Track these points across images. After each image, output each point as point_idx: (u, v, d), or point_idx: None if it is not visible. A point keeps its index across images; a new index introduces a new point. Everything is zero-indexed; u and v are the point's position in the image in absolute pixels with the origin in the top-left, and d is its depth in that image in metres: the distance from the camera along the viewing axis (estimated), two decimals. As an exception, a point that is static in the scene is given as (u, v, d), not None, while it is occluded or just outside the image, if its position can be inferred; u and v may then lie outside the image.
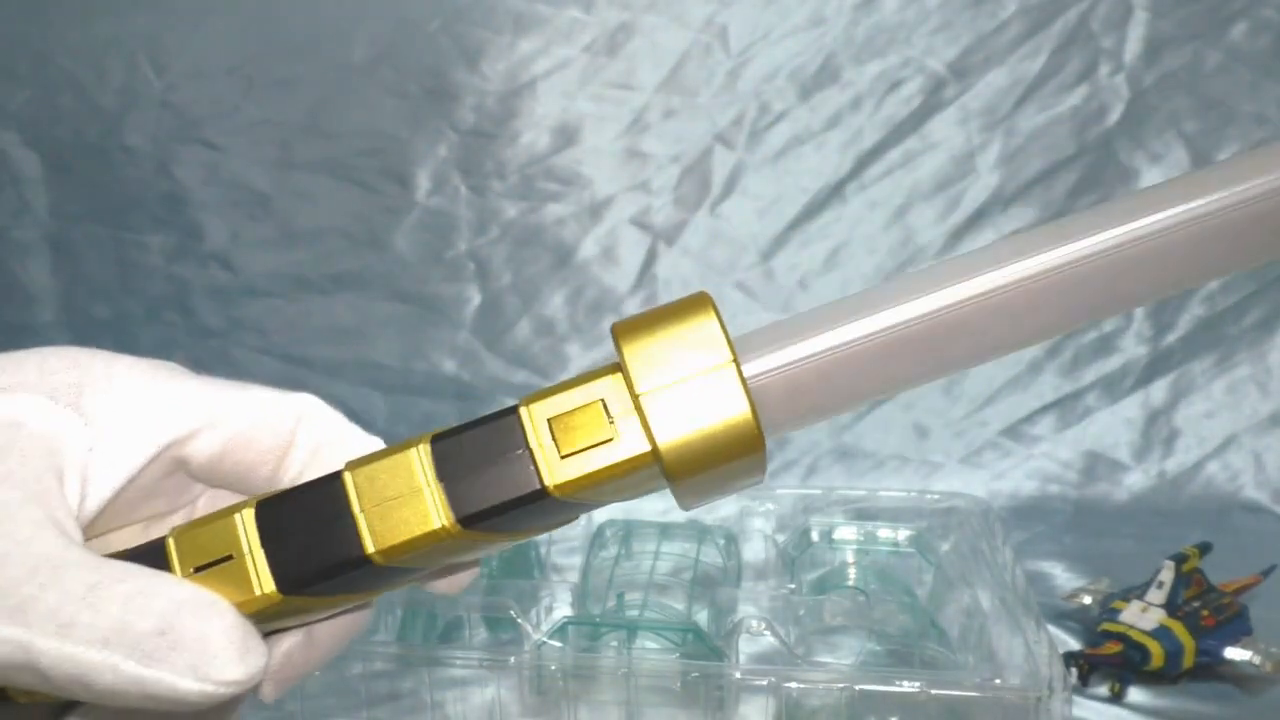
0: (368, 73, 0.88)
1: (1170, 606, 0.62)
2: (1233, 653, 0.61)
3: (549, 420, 0.23)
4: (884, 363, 0.23)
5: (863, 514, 0.73)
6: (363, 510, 0.23)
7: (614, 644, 0.60)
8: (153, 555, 0.23)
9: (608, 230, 0.90)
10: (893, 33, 0.86)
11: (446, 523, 0.23)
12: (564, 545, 0.73)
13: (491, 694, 0.57)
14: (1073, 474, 0.88)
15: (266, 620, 0.23)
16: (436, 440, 0.23)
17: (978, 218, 0.88)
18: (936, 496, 0.73)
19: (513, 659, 0.55)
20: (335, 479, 0.23)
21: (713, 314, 0.24)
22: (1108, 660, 0.61)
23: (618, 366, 0.23)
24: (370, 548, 0.23)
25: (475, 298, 0.91)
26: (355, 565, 0.23)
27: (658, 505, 0.76)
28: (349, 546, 0.23)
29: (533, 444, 0.23)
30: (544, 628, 0.59)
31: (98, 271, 0.92)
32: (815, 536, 0.70)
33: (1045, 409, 0.89)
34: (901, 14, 0.86)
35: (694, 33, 0.87)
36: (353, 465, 0.23)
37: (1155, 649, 0.60)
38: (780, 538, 0.69)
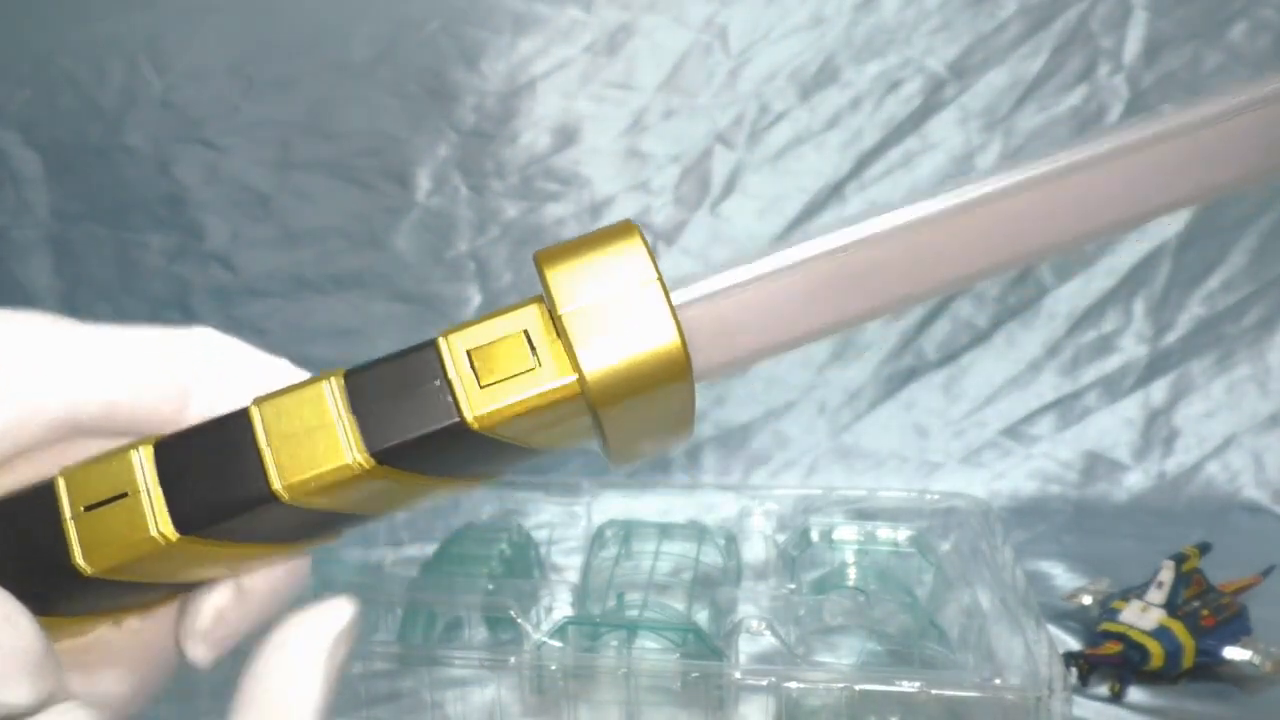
0: (368, 73, 0.88)
1: (1170, 606, 0.62)
2: (1232, 653, 0.61)
3: (469, 351, 0.22)
4: (810, 297, 0.23)
5: (863, 514, 0.73)
6: (269, 445, 0.21)
7: (614, 644, 0.60)
8: (40, 496, 0.22)
9: (608, 230, 0.90)
10: (892, 33, 0.86)
11: (360, 457, 0.21)
12: (564, 545, 0.73)
13: (491, 694, 0.57)
14: (1072, 474, 0.88)
15: (175, 566, 0.22)
16: (351, 373, 0.22)
17: (978, 218, 0.88)
18: (936, 496, 0.73)
19: (513, 659, 0.55)
20: (241, 414, 0.22)
21: (638, 239, 0.23)
22: (1107, 660, 0.61)
23: (540, 297, 0.22)
24: (277, 483, 0.21)
25: (475, 298, 0.91)
26: (260, 502, 0.21)
27: (658, 505, 0.76)
28: (253, 482, 0.21)
29: (451, 375, 0.22)
30: (544, 628, 0.59)
31: (98, 271, 0.92)
32: (815, 536, 0.70)
33: (1045, 409, 0.89)
34: (901, 14, 0.86)
35: (694, 33, 0.87)
36: (260, 400, 0.22)
37: (1155, 649, 0.60)
38: (780, 538, 0.69)
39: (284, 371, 0.25)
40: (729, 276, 0.23)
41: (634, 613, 0.62)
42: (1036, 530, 0.83)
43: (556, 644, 0.57)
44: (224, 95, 0.88)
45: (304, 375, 0.24)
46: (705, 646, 0.57)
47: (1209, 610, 0.63)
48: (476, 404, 0.21)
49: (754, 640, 0.60)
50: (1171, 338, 0.88)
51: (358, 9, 0.88)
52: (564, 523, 0.75)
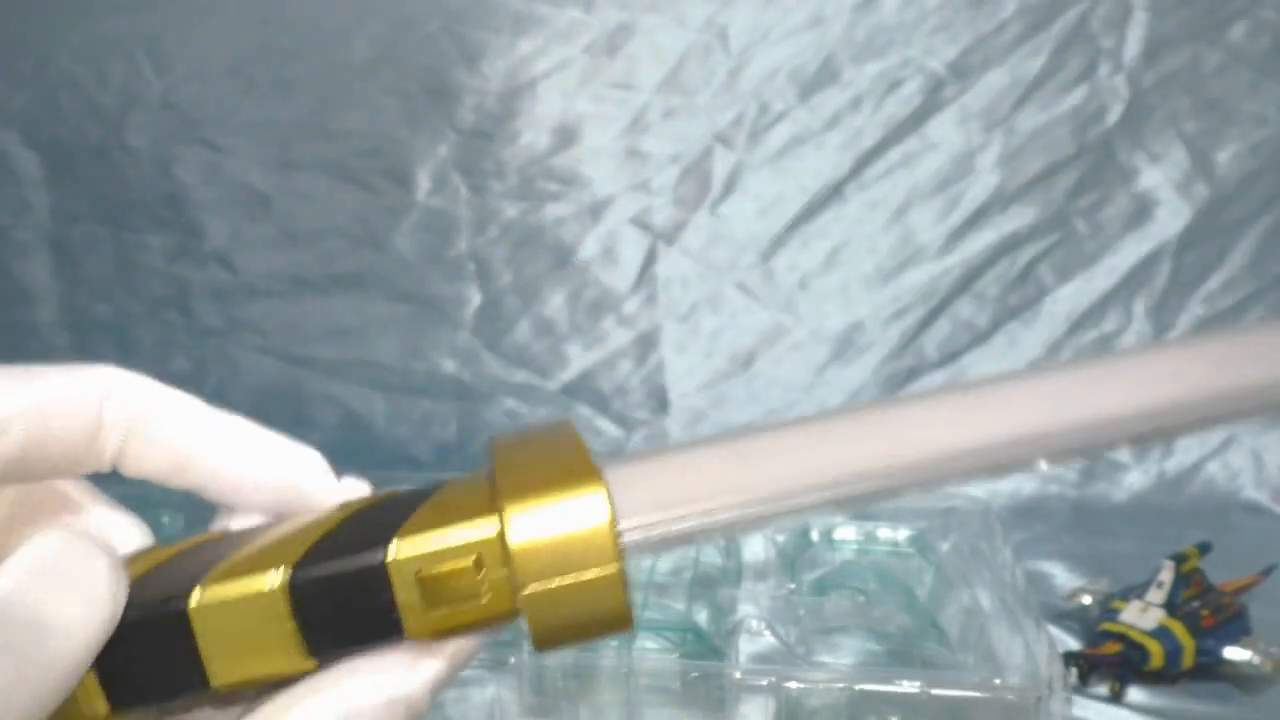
0: (368, 73, 0.88)
1: (1170, 606, 0.62)
2: (1232, 653, 0.61)
3: (419, 576, 0.22)
4: (751, 520, 0.23)
5: (862, 514, 0.73)
6: (206, 645, 0.22)
7: (614, 644, 0.60)
8: None
9: (608, 230, 0.90)
10: (892, 33, 0.86)
11: (299, 662, 0.22)
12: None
13: (491, 694, 0.57)
14: (1072, 474, 0.88)
15: None
16: (296, 581, 0.22)
17: (978, 218, 0.88)
18: (936, 497, 0.73)
19: (512, 659, 0.55)
20: (180, 614, 0.22)
21: (600, 487, 0.22)
22: (1107, 660, 0.61)
23: (494, 507, 0.22)
24: (214, 681, 0.22)
25: (475, 298, 0.91)
26: (194, 691, 0.22)
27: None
28: (189, 679, 0.22)
29: (399, 598, 0.22)
30: (544, 628, 0.59)
31: (98, 271, 0.92)
32: (815, 536, 0.70)
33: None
34: (901, 14, 0.86)
35: (694, 33, 0.87)
36: (201, 596, 0.22)
37: (1155, 649, 0.60)
38: (780, 538, 0.69)
39: (192, 408, 0.24)
40: (683, 513, 0.23)
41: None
42: (1036, 530, 0.83)
43: (556, 644, 0.57)
44: (224, 95, 0.88)
45: (200, 404, 0.24)
46: (705, 646, 0.57)
47: (1209, 610, 0.63)
48: (419, 626, 0.22)
49: (754, 640, 0.59)
50: (1172, 338, 0.88)
51: (358, 9, 0.88)
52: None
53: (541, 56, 0.88)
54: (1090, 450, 0.24)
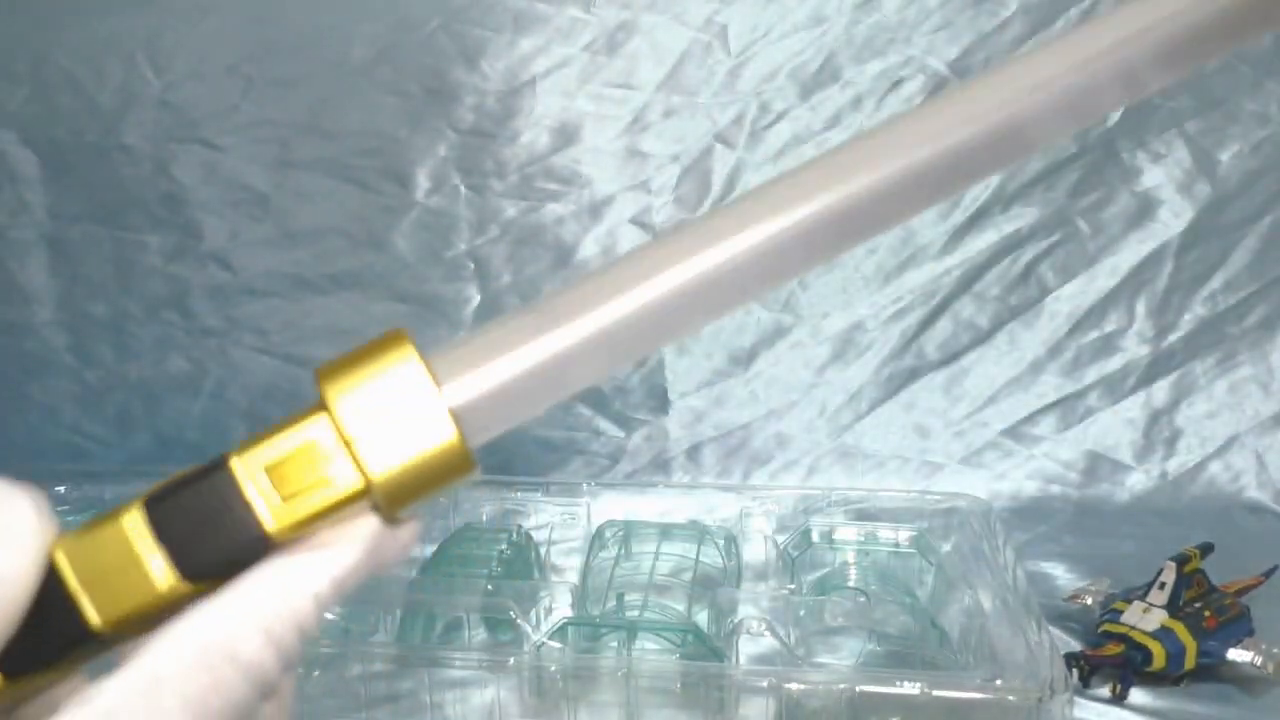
0: (367, 72, 0.87)
1: (1172, 607, 0.62)
2: (1235, 654, 0.61)
3: (265, 468, 0.23)
4: (577, 368, 0.25)
5: (863, 514, 0.72)
6: (82, 587, 0.22)
7: (614, 645, 0.60)
8: None
9: (608, 230, 0.89)
10: (893, 32, 0.86)
11: (175, 583, 0.22)
12: (564, 546, 0.73)
13: (491, 695, 0.57)
14: (1074, 474, 0.88)
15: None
16: (150, 504, 0.23)
17: (978, 217, 0.88)
18: (937, 497, 0.73)
19: (512, 660, 0.55)
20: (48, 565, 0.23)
21: (410, 349, 0.24)
22: (1109, 661, 0.61)
23: (321, 405, 0.24)
24: (96, 621, 0.22)
25: (475, 297, 0.91)
26: (82, 641, 0.22)
27: (658, 506, 0.76)
28: (73, 625, 0.22)
29: (249, 494, 0.23)
30: (544, 628, 0.59)
31: (96, 271, 0.91)
32: (815, 537, 0.70)
33: (1046, 409, 0.89)
34: (902, 13, 0.85)
35: (694, 32, 0.87)
36: (63, 543, 0.23)
37: (1157, 650, 0.60)
38: (780, 538, 0.69)
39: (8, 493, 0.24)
40: (503, 369, 0.24)
41: (634, 613, 0.62)
42: (1038, 531, 0.83)
43: (556, 645, 0.57)
44: (223, 94, 0.88)
45: (15, 491, 0.24)
46: (705, 647, 0.56)
47: (1211, 611, 0.63)
48: (277, 518, 0.23)
49: (754, 641, 0.59)
50: (1174, 338, 0.88)
51: (357, 9, 0.87)
52: (564, 523, 0.75)
53: (541, 55, 0.87)
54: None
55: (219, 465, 0.23)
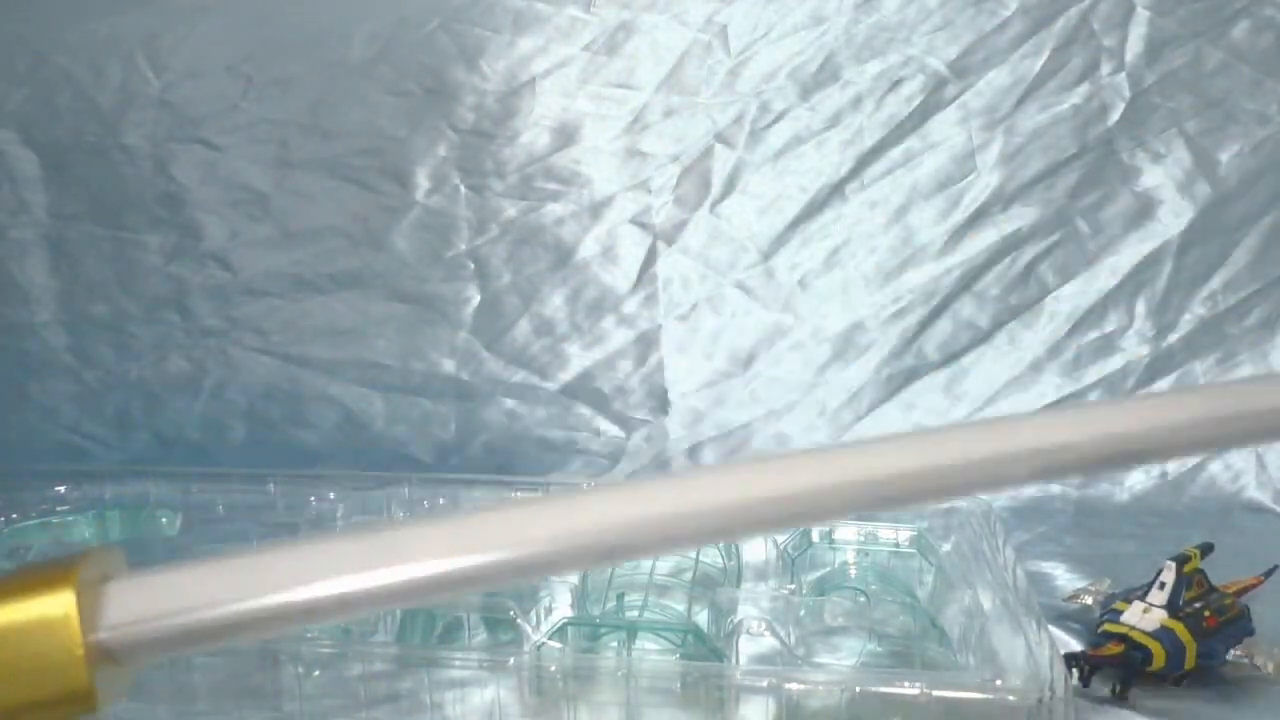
0: (367, 72, 0.87)
1: (1172, 607, 0.62)
2: (1235, 654, 0.61)
3: None
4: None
5: (863, 514, 0.72)
6: None
7: (614, 645, 0.60)
8: None
9: (608, 230, 0.89)
10: (893, 31, 0.86)
11: None
12: (563, 546, 0.73)
13: (491, 695, 0.57)
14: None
15: None
16: None
17: (978, 217, 0.88)
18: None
19: (512, 660, 0.55)
20: None
21: (69, 590, 0.23)
22: (1109, 661, 0.61)
23: None
24: None
25: (475, 297, 0.91)
26: None
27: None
28: None
29: None
30: (544, 628, 0.59)
31: (96, 271, 0.91)
32: (815, 537, 0.70)
33: (1047, 409, 0.89)
34: (902, 13, 0.85)
35: (694, 32, 0.87)
36: None
37: (1157, 650, 0.60)
38: (780, 538, 0.69)
39: None
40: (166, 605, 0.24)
41: (634, 613, 0.62)
42: (1038, 531, 0.83)
43: (556, 645, 0.57)
44: (222, 94, 0.88)
45: None
46: (705, 647, 0.56)
47: (1211, 611, 0.62)
48: None
49: (754, 641, 0.59)
50: (1174, 338, 0.88)
51: (357, 8, 0.87)
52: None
53: (541, 55, 0.87)
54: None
55: None
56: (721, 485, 0.25)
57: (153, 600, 0.24)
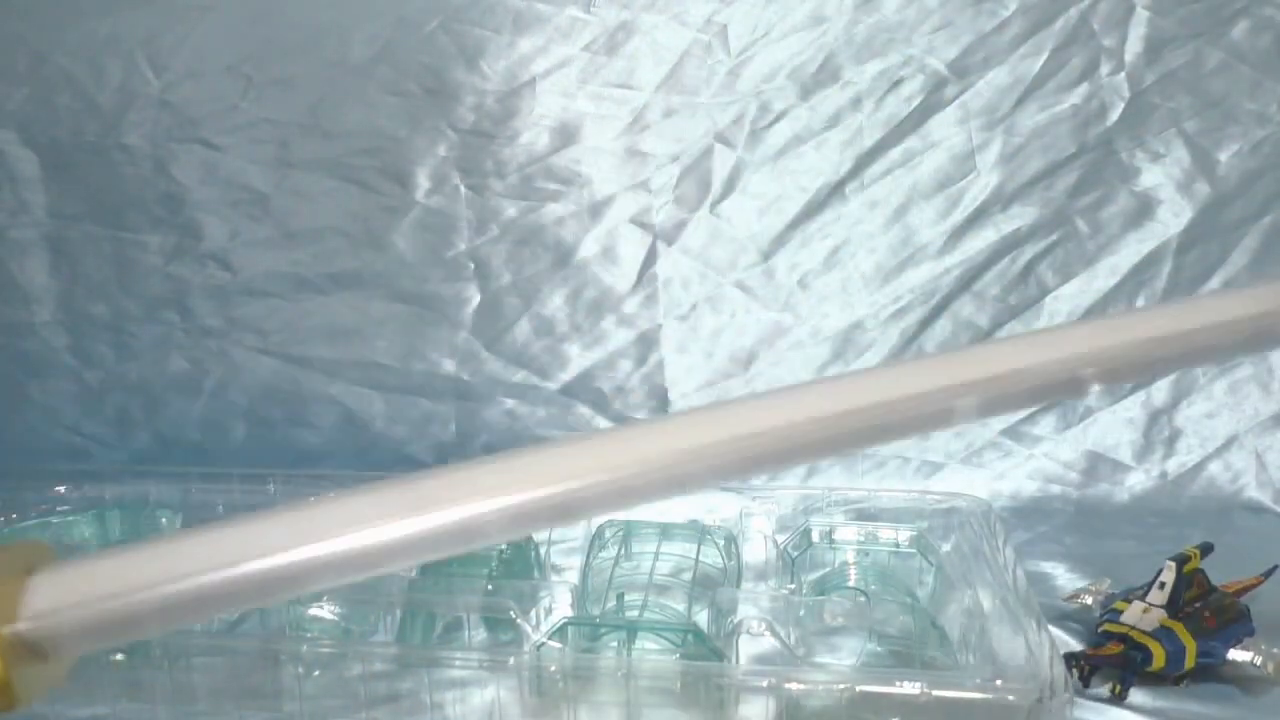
0: (367, 72, 0.87)
1: (1172, 607, 0.62)
2: (1235, 654, 0.61)
3: None
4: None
5: (863, 514, 0.72)
6: None
7: (614, 645, 0.60)
8: None
9: (608, 230, 0.89)
10: (893, 32, 0.86)
11: None
12: (564, 546, 0.73)
13: (491, 695, 0.57)
14: (1074, 474, 0.88)
15: None
16: None
17: (978, 217, 0.88)
18: (937, 497, 0.73)
19: (512, 660, 0.55)
20: None
21: None
22: (1109, 661, 0.61)
23: None
24: None
25: (475, 297, 0.91)
26: None
27: (658, 505, 0.76)
28: None
29: None
30: (544, 628, 0.59)
31: (96, 271, 0.91)
32: (816, 537, 0.70)
33: (1046, 409, 0.89)
34: (902, 13, 0.85)
35: (694, 32, 0.87)
36: None
37: (1157, 650, 0.60)
38: (780, 538, 0.69)
39: None
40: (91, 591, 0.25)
41: (634, 613, 0.62)
42: (1038, 531, 0.83)
43: (556, 645, 0.57)
44: (222, 94, 0.88)
45: None
46: (705, 647, 0.56)
47: (1211, 611, 0.63)
48: None
49: (754, 641, 0.59)
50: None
51: (357, 8, 0.87)
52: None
53: (541, 55, 0.87)
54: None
55: None
56: (719, 422, 0.25)
57: (73, 589, 0.25)
